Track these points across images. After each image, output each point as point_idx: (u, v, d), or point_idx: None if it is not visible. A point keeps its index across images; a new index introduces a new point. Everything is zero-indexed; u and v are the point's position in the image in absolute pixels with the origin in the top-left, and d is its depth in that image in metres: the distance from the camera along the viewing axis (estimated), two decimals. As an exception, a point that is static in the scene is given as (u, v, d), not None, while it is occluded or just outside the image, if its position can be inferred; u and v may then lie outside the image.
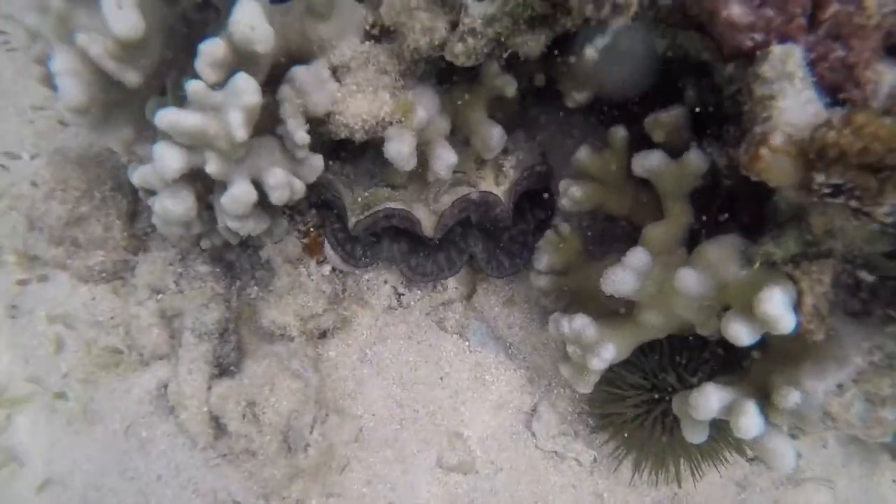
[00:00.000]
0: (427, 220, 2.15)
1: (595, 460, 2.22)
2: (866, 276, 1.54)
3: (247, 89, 1.53)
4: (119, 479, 1.85)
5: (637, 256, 1.80)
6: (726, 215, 1.87)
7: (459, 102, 2.02)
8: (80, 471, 1.85)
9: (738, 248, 1.68)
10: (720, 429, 2.10)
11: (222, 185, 1.76)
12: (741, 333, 1.54)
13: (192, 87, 1.52)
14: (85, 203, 2.13)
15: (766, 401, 1.67)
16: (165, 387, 2.01)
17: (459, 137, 2.15)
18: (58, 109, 1.55)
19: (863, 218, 1.31)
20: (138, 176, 1.71)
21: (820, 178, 1.20)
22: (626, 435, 2.24)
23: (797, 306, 1.50)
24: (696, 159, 1.74)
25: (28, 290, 2.10)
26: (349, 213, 2.14)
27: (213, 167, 1.65)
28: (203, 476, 1.88)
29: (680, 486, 2.27)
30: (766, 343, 1.80)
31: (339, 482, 1.96)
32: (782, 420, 1.63)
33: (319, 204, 2.24)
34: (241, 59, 1.58)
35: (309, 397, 1.87)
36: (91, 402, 1.96)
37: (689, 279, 1.67)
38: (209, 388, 1.92)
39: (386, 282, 2.31)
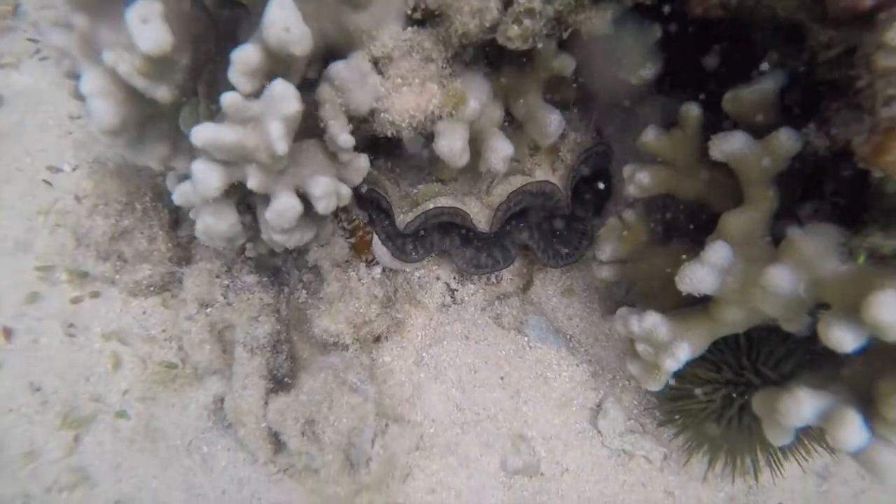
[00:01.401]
0: (480, 214, 2.02)
1: (665, 457, 2.11)
2: None
3: (286, 97, 1.41)
4: (186, 496, 1.86)
5: (717, 252, 1.63)
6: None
7: (511, 85, 1.85)
8: (148, 489, 1.86)
9: (836, 240, 1.50)
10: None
11: (265, 198, 1.66)
12: (844, 340, 1.38)
13: (228, 99, 1.41)
14: (127, 216, 2.08)
15: (868, 407, 1.52)
16: (221, 401, 1.98)
17: (510, 121, 1.99)
18: (91, 131, 1.46)
19: None
20: (179, 195, 1.62)
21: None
22: (697, 429, 2.12)
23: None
24: (787, 140, 1.53)
25: (82, 308, 2.08)
26: (397, 211, 2.02)
27: (254, 182, 1.55)
28: (266, 490, 1.87)
29: (756, 480, 2.16)
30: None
31: (402, 491, 1.92)
32: (891, 431, 1.48)
33: (365, 200, 2.13)
34: (277, 64, 1.45)
35: (368, 412, 1.81)
36: (152, 420, 1.95)
37: (781, 278, 1.50)
38: (266, 402, 1.88)
39: (438, 278, 2.21)
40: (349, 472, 1.79)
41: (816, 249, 1.50)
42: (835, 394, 1.58)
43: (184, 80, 1.50)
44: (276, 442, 1.89)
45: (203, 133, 1.43)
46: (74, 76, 1.83)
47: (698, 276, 1.64)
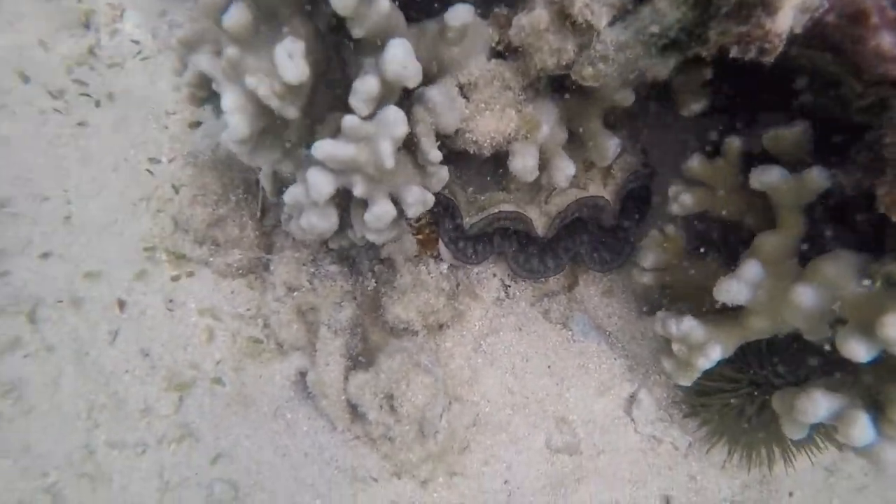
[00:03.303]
0: (538, 221, 2.27)
1: (690, 445, 2.38)
2: None
3: (398, 121, 1.66)
4: (274, 455, 2.14)
5: (751, 270, 1.88)
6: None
7: (575, 111, 2.09)
8: (242, 447, 2.15)
9: (856, 265, 1.74)
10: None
11: (362, 202, 1.92)
12: (859, 351, 1.62)
13: (348, 121, 1.66)
14: (223, 206, 2.34)
15: (876, 409, 1.77)
16: (302, 374, 2.26)
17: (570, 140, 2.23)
18: (223, 140, 1.71)
19: None
20: (289, 196, 1.88)
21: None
22: (719, 422, 2.38)
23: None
24: (817, 178, 1.77)
25: (180, 286, 2.35)
26: (464, 214, 2.28)
27: (359, 190, 1.80)
28: (344, 454, 2.15)
29: (770, 470, 2.42)
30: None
31: (460, 462, 2.20)
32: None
33: (438, 208, 2.38)
34: (388, 92, 1.70)
35: (439, 390, 2.08)
36: (243, 387, 2.23)
37: (806, 295, 1.74)
38: (346, 377, 2.15)
39: (495, 275, 2.46)
40: (421, 441, 2.07)
41: (838, 272, 1.74)
42: (847, 396, 1.84)
43: (307, 101, 1.75)
44: (354, 413, 2.17)
45: (324, 147, 1.69)
46: (195, 85, 2.09)
47: (734, 290, 1.89)
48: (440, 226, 2.37)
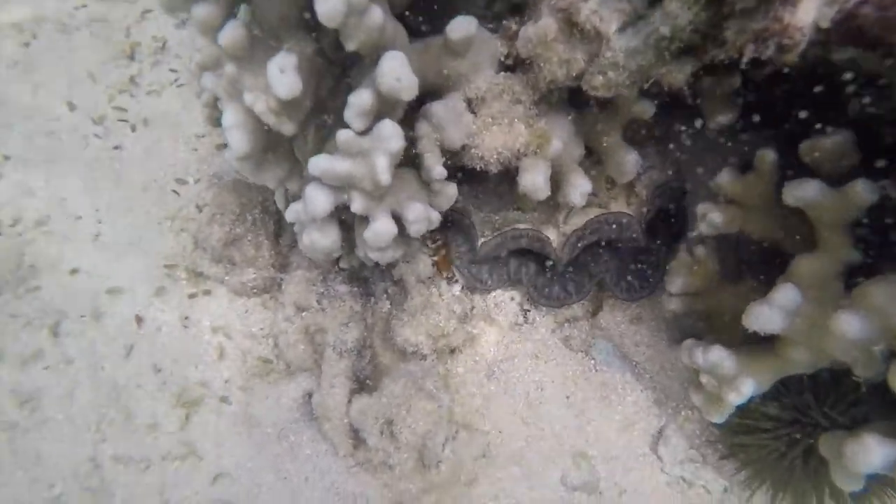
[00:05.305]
0: (556, 242, 2.15)
1: (725, 490, 2.15)
2: None
3: (393, 136, 1.61)
4: (275, 478, 2.09)
5: (786, 294, 1.69)
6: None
7: (593, 125, 1.98)
8: (244, 468, 2.11)
9: (910, 291, 1.53)
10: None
11: (364, 220, 1.88)
12: (913, 389, 1.42)
13: (343, 136, 1.63)
14: (239, 225, 2.36)
15: (939, 459, 1.53)
16: (309, 395, 2.21)
17: (588, 154, 2.12)
18: (227, 158, 1.73)
19: None
20: (291, 213, 1.86)
21: None
22: (760, 466, 2.15)
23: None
24: (863, 191, 1.58)
25: (196, 303, 2.38)
26: (477, 234, 2.19)
27: (357, 205, 1.76)
28: (345, 481, 2.07)
29: (823, 523, 2.14)
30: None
31: (467, 494, 2.07)
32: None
33: (447, 224, 2.31)
34: (385, 106, 1.66)
35: (442, 417, 1.98)
36: (248, 407, 2.21)
37: (851, 324, 1.54)
38: (349, 401, 2.09)
39: (513, 299, 2.35)
40: (421, 471, 1.96)
41: (889, 298, 1.54)
42: (904, 444, 1.60)
43: (304, 116, 1.74)
44: (357, 437, 2.09)
45: (319, 163, 1.66)
46: (210, 105, 2.14)
47: (766, 317, 1.70)
48: (450, 249, 2.29)
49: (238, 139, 1.70)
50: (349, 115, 1.62)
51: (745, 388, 1.83)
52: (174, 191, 2.55)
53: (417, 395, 1.95)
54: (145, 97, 2.73)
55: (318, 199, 1.74)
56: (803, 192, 1.67)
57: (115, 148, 2.63)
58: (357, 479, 2.07)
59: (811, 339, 1.71)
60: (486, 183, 2.28)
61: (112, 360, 2.24)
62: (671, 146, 2.13)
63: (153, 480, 2.06)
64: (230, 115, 1.69)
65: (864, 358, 1.64)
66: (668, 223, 2.29)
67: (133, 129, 2.65)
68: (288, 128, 1.70)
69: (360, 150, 1.67)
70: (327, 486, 2.07)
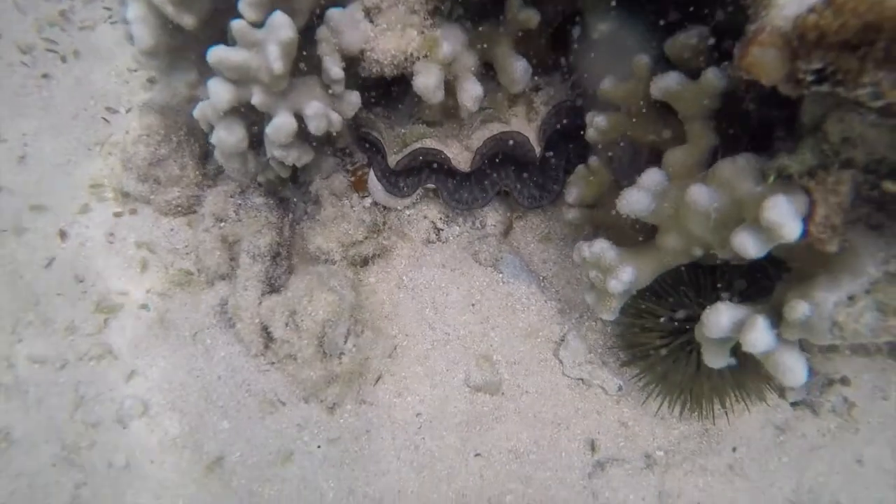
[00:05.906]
0: (461, 156, 2.28)
1: (621, 388, 2.26)
2: (890, 186, 1.49)
3: (283, 25, 1.73)
4: (187, 376, 2.17)
5: (651, 176, 1.83)
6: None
7: (485, 37, 2.12)
8: (158, 367, 2.19)
9: (754, 166, 1.67)
10: (757, 367, 2.08)
11: (268, 118, 1.99)
12: (747, 244, 1.54)
13: (236, 25, 1.74)
14: (164, 146, 2.45)
15: (780, 318, 1.66)
16: (226, 303, 2.30)
17: (493, 76, 2.25)
18: (134, 53, 1.82)
19: (864, 112, 1.29)
20: (198, 110, 1.97)
21: (803, 65, 1.21)
22: (656, 368, 2.26)
23: (809, 217, 1.48)
24: (713, 78, 1.72)
25: (122, 221, 2.46)
26: (388, 151, 2.31)
27: (257, 99, 1.87)
28: (256, 379, 2.15)
29: (713, 423, 2.27)
30: (793, 269, 1.80)
31: (371, 392, 2.17)
32: (793, 334, 1.62)
33: (367, 145, 2.43)
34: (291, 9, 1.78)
35: (343, 310, 2.07)
36: (167, 313, 2.29)
37: (701, 194, 1.68)
38: (260, 302, 2.18)
39: (426, 217, 2.46)
40: (322, 359, 2.05)
41: (735, 173, 1.67)
42: (752, 308, 1.74)
43: (207, 12, 1.85)
44: (267, 337, 2.18)
45: (216, 52, 1.77)
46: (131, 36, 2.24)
47: (634, 198, 1.84)
48: (372, 163, 2.40)
49: (141, 32, 1.81)
50: (241, 4, 1.74)
51: (625, 276, 1.95)
52: (104, 118, 2.64)
53: (320, 288, 2.05)
54: (77, 32, 2.80)
55: (220, 92, 1.85)
56: (666, 83, 1.82)
57: (44, 76, 2.70)
58: (268, 378, 2.16)
59: (679, 223, 1.84)
60: (397, 104, 2.41)
61: (32, 269, 2.31)
62: (566, 61, 2.27)
63: (68, 378, 2.13)
64: (132, 10, 1.79)
65: (722, 236, 1.77)
66: (569, 139, 2.42)
67: (63, 59, 2.72)
68: (188, 20, 1.80)
69: (254, 41, 1.78)
70: (239, 383, 2.15)
